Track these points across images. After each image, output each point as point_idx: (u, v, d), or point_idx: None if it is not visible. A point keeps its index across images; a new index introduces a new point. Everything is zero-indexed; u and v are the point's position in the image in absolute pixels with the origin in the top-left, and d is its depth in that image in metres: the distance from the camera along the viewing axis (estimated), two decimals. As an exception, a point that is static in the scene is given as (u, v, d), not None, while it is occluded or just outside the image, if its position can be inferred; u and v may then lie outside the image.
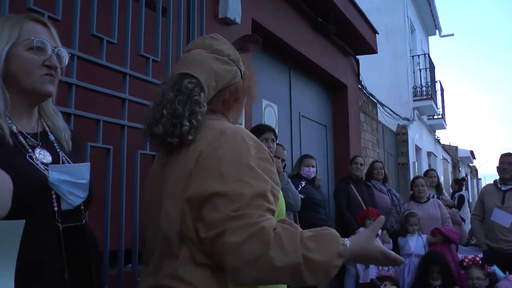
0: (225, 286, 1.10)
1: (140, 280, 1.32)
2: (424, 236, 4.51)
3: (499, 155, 4.53)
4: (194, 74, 1.22)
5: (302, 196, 3.87)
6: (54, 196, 1.16)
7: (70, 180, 1.19)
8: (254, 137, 1.19)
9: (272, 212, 1.10)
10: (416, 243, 4.45)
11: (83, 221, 1.25)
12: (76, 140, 1.41)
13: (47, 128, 1.29)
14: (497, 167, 4.50)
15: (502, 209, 4.28)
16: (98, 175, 1.87)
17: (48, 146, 1.25)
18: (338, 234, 1.13)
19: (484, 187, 5.04)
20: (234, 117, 1.36)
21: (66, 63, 1.31)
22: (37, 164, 1.16)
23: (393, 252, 1.20)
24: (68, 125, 1.69)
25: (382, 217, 1.25)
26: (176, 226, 1.12)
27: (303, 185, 4.13)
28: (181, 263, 1.11)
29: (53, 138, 1.28)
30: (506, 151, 4.53)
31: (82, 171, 1.24)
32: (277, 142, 3.38)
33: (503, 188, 4.36)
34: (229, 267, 1.04)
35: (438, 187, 6.24)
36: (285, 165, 4.05)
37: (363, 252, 1.16)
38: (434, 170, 7.11)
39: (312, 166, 4.27)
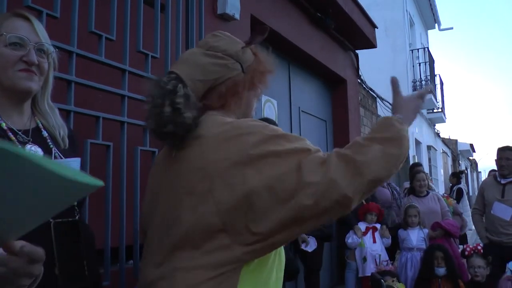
0: (236, 278, 1.14)
1: (141, 270, 1.32)
2: (426, 230, 4.51)
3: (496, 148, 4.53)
4: (174, 70, 1.28)
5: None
6: None
7: None
8: (261, 122, 1.24)
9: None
10: (417, 237, 4.46)
11: (76, 217, 1.23)
12: (74, 138, 1.39)
13: (41, 125, 1.27)
14: (496, 162, 4.50)
15: (502, 202, 4.28)
16: (98, 172, 1.87)
17: (40, 142, 1.23)
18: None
19: (483, 180, 5.05)
20: (245, 111, 1.36)
21: (53, 57, 1.27)
22: None
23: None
24: (67, 122, 1.69)
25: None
26: (203, 221, 1.14)
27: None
28: (201, 254, 1.14)
29: (47, 134, 1.26)
30: (506, 144, 4.52)
31: (72, 166, 1.20)
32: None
33: (502, 182, 4.36)
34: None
35: None
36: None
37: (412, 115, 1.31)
38: (421, 165, 7.07)
39: None
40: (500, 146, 4.52)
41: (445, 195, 6.29)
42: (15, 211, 0.70)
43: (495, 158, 4.49)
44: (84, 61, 1.88)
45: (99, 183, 0.73)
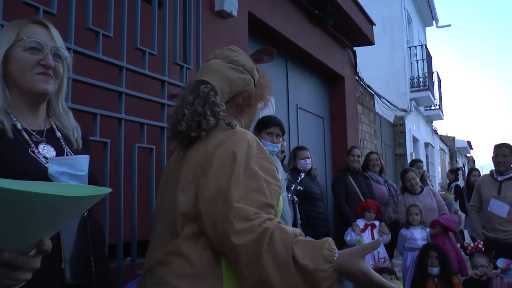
0: (218, 262, 1.21)
1: (146, 261, 1.36)
2: (428, 230, 4.52)
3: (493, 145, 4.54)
4: (209, 80, 1.38)
5: (301, 188, 3.87)
6: None
7: (69, 172, 1.22)
8: (256, 139, 1.33)
9: (270, 206, 1.21)
10: (421, 236, 4.47)
11: (85, 214, 1.27)
12: (87, 139, 1.46)
13: (55, 126, 1.33)
14: (492, 158, 4.51)
15: (498, 199, 4.29)
16: (96, 169, 1.87)
17: (53, 142, 1.28)
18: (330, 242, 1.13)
19: (480, 177, 5.05)
20: (247, 120, 1.51)
21: (68, 63, 1.35)
22: (39, 158, 1.20)
23: (380, 278, 1.10)
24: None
25: (379, 240, 1.22)
26: (181, 208, 1.25)
27: (302, 176, 4.11)
28: (182, 240, 1.23)
29: (60, 135, 1.32)
30: (503, 141, 4.52)
31: (81, 163, 1.26)
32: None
33: (499, 179, 4.37)
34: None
35: (422, 177, 6.13)
36: (284, 156, 4.02)
37: (346, 269, 1.08)
38: (421, 161, 7.09)
39: (308, 158, 4.24)
40: (497, 143, 4.54)
41: (443, 192, 6.28)
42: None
43: (492, 155, 4.50)
44: (82, 58, 1.88)
45: (107, 190, 0.79)
